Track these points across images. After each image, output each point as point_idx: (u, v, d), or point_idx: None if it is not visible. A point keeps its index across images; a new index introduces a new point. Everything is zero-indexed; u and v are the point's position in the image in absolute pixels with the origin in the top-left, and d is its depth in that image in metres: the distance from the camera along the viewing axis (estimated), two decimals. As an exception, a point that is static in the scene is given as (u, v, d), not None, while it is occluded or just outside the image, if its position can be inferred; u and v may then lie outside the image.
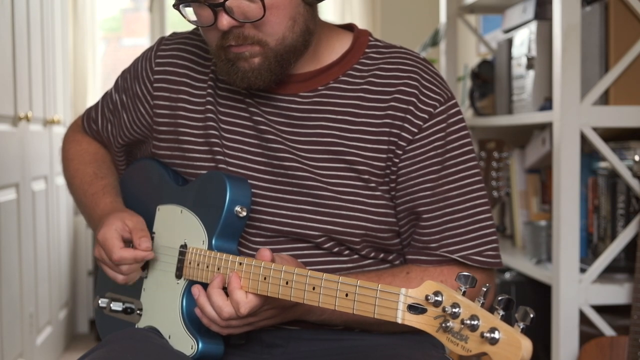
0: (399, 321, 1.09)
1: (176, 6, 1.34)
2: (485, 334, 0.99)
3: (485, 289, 1.04)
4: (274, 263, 1.25)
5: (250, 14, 1.29)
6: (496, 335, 0.99)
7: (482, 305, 1.03)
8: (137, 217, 1.43)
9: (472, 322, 1.01)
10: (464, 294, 1.05)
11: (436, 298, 1.05)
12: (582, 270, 2.15)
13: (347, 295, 1.15)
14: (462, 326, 1.02)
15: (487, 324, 1.00)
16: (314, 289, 1.18)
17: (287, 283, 1.21)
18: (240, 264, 1.27)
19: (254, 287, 1.25)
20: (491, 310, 1.02)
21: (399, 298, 1.09)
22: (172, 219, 1.44)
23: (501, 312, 1.01)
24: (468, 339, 1.01)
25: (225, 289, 1.29)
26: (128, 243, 1.41)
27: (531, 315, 0.99)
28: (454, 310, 1.03)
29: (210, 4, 1.28)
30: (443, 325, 1.03)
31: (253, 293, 1.25)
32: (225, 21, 1.29)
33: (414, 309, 1.08)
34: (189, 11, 1.35)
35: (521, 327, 0.99)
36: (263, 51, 1.32)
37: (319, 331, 1.40)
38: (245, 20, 1.29)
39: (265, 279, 1.24)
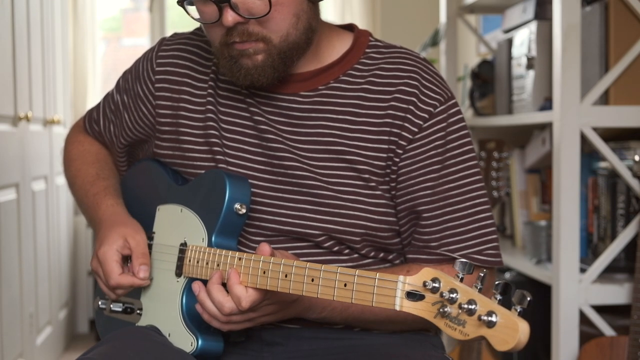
0: (397, 308, 1.09)
1: (180, 3, 1.35)
2: (482, 318, 0.99)
3: (482, 274, 1.04)
4: (273, 257, 1.25)
5: (255, 10, 1.29)
6: (493, 318, 0.99)
7: (480, 291, 1.03)
8: (140, 236, 1.43)
9: (470, 307, 1.01)
10: (461, 280, 1.05)
11: (434, 284, 1.05)
12: (582, 270, 2.15)
13: (345, 285, 1.15)
14: (460, 311, 1.02)
15: (485, 307, 1.00)
16: (312, 280, 1.19)
17: (286, 276, 1.22)
18: (240, 259, 1.28)
19: (253, 282, 1.25)
20: (489, 297, 1.02)
21: (397, 285, 1.09)
22: (172, 218, 1.44)
23: (498, 297, 1.01)
24: (466, 324, 1.02)
25: (225, 285, 1.29)
26: (126, 259, 1.42)
27: (528, 298, 0.99)
28: (451, 295, 1.03)
29: (216, 0, 1.28)
30: (441, 310, 1.04)
31: (253, 287, 1.26)
32: (230, 17, 1.29)
33: (412, 295, 1.08)
34: (192, 9, 1.36)
35: (518, 310, 1.00)
36: (267, 48, 1.32)
37: (319, 330, 1.40)
38: (250, 16, 1.29)
39: (264, 273, 1.24)
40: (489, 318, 0.99)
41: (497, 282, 1.02)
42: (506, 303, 1.01)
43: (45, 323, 3.52)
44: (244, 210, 1.35)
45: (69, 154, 1.66)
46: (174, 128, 1.46)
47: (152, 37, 4.59)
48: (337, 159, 1.38)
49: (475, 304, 1.01)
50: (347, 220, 1.37)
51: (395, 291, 1.10)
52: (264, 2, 1.28)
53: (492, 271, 1.43)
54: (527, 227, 2.51)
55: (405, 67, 1.40)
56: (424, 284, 1.06)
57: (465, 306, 1.01)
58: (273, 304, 1.30)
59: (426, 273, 1.07)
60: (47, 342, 3.53)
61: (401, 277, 1.10)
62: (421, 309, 1.07)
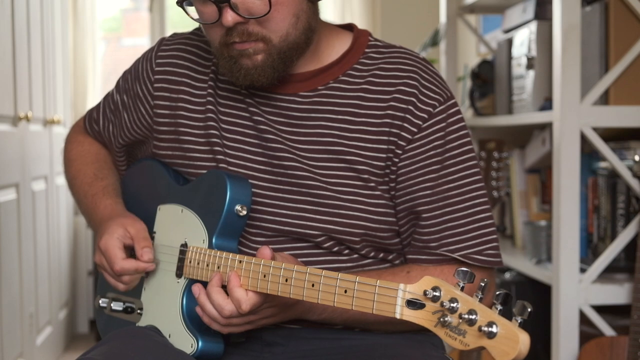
0: (398, 316, 1.09)
1: (179, 3, 1.35)
2: (483, 328, 0.99)
3: (483, 284, 1.04)
4: (273, 261, 1.25)
5: (254, 10, 1.29)
6: (494, 329, 0.99)
7: (481, 301, 1.03)
8: (140, 224, 1.43)
9: (470, 317, 1.01)
10: (462, 289, 1.05)
11: (434, 293, 1.05)
12: (582, 270, 2.15)
13: (346, 291, 1.15)
14: (460, 321, 1.02)
15: (485, 318, 1.00)
16: (313, 285, 1.19)
17: (286, 280, 1.22)
18: (240, 262, 1.28)
19: (253, 285, 1.25)
20: (490, 306, 1.02)
21: (397, 294, 1.09)
22: (172, 218, 1.44)
23: (499, 307, 1.01)
24: (466, 334, 1.02)
25: (225, 288, 1.29)
26: (129, 250, 1.42)
27: (529, 310, 0.99)
28: (452, 305, 1.03)
29: (215, 0, 1.28)
30: (441, 320, 1.03)
31: (253, 291, 1.26)
32: (230, 17, 1.29)
33: (412, 304, 1.08)
34: (192, 9, 1.36)
35: (519, 321, 1.00)
36: (266, 48, 1.32)
37: (319, 330, 1.40)
38: (249, 16, 1.29)
39: (264, 276, 1.24)
40: (490, 329, 0.99)
41: (497, 293, 1.02)
42: (507, 313, 1.01)
43: (45, 323, 3.52)
44: (244, 212, 1.35)
45: (69, 154, 1.66)
46: (172, 128, 1.46)
47: (152, 37, 4.58)
48: (337, 159, 1.38)
49: (476, 314, 1.01)
50: (347, 221, 1.37)
51: (396, 299, 1.09)
52: (264, 2, 1.28)
53: (492, 271, 1.43)
54: (527, 227, 2.51)
55: (404, 67, 1.40)
56: (425, 293, 1.06)
57: (466, 316, 1.01)
58: (273, 307, 1.30)
59: (427, 281, 1.07)
60: (47, 342, 3.53)
61: (401, 285, 1.09)
62: (421, 318, 1.07)
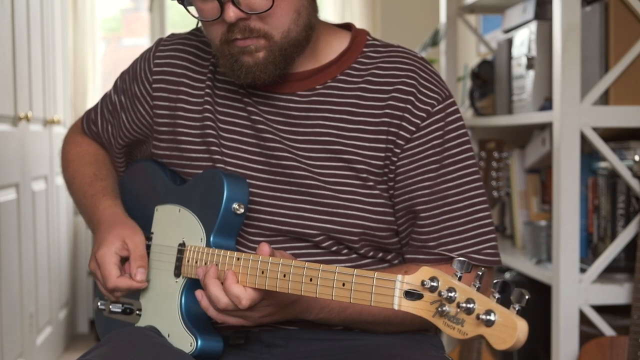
0: (396, 307, 1.09)
1: (181, 1, 1.35)
2: (481, 316, 0.99)
3: (480, 273, 1.04)
4: (272, 257, 1.25)
5: (256, 5, 1.29)
6: (492, 317, 0.99)
7: (478, 290, 1.03)
8: (138, 237, 1.43)
9: (468, 306, 1.01)
10: (459, 279, 1.05)
11: (432, 283, 1.05)
12: (582, 270, 2.15)
13: (344, 284, 1.15)
14: (458, 310, 1.02)
15: (483, 306, 1.00)
16: (311, 280, 1.19)
17: (284, 276, 1.22)
18: (238, 259, 1.28)
19: (252, 282, 1.25)
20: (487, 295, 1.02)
21: (395, 285, 1.09)
22: (170, 218, 1.44)
23: (497, 295, 1.01)
24: (464, 322, 1.02)
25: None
26: (125, 260, 1.42)
27: (526, 297, 0.99)
28: (449, 294, 1.03)
29: None
30: (439, 309, 1.04)
31: (251, 287, 1.26)
32: (232, 13, 1.29)
33: (410, 295, 1.08)
34: (194, 8, 1.36)
35: (517, 308, 1.00)
36: (268, 45, 1.32)
37: (318, 331, 1.40)
38: (252, 11, 1.29)
39: (263, 272, 1.24)
40: (488, 317, 0.99)
41: (495, 281, 1.02)
42: (505, 302, 1.01)
43: (45, 323, 3.52)
44: (242, 210, 1.35)
45: (67, 155, 1.66)
46: (171, 128, 1.46)
47: (152, 37, 4.59)
48: (335, 158, 1.38)
49: (474, 303, 1.01)
50: (345, 220, 1.37)
51: (394, 290, 1.09)
52: None
53: (491, 271, 1.43)
54: (527, 227, 2.51)
55: (402, 66, 1.40)
56: (422, 283, 1.06)
57: (464, 305, 1.01)
58: (271, 305, 1.30)
59: (424, 272, 1.07)
60: (47, 342, 3.52)
61: (399, 277, 1.09)
62: (419, 308, 1.07)
